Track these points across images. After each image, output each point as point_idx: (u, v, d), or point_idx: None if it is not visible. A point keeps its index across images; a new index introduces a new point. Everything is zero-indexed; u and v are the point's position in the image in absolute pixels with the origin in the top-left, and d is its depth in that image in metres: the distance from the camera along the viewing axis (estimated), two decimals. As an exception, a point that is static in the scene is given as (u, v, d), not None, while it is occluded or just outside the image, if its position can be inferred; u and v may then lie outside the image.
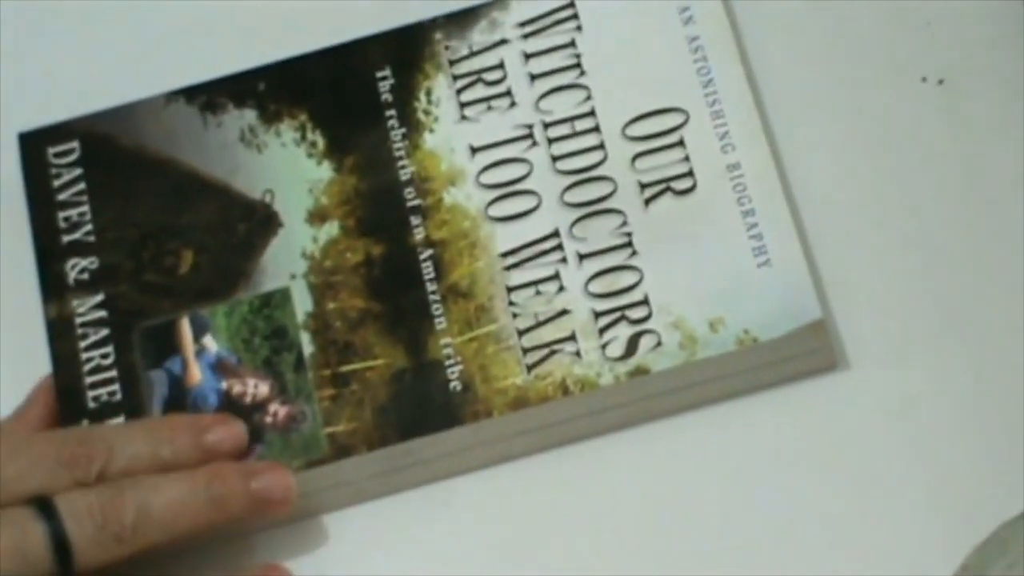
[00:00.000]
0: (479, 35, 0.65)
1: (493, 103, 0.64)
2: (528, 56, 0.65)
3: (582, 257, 0.61)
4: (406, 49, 0.66)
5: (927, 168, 0.62)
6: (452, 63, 0.65)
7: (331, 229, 0.63)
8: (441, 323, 0.61)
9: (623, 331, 0.60)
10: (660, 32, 0.64)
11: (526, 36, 0.65)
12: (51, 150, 0.66)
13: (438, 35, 0.66)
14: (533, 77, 0.64)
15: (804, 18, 0.65)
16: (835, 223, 0.62)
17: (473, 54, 0.65)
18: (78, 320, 0.63)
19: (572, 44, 0.65)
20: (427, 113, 0.65)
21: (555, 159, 0.63)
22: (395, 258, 0.62)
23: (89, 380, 0.61)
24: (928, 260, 0.61)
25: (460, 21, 0.66)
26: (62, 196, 0.65)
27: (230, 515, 0.57)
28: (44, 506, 0.55)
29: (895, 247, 0.61)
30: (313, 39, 0.67)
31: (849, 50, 0.65)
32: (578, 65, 0.64)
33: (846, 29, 0.65)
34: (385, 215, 0.63)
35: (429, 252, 0.62)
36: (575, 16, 0.65)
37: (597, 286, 0.61)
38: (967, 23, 0.64)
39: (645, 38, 0.64)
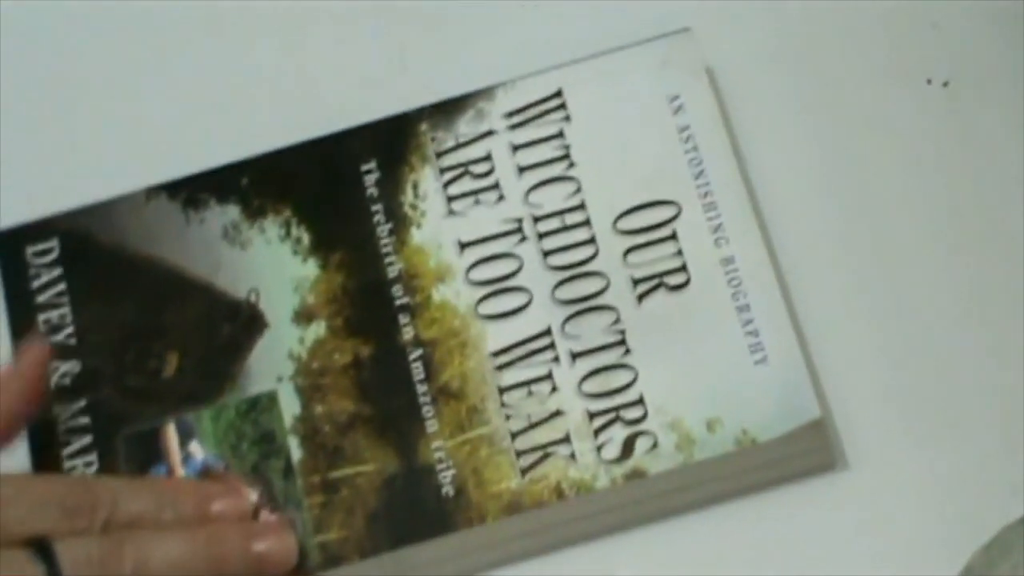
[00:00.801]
0: (465, 126, 0.64)
1: (481, 196, 0.63)
2: (516, 147, 0.64)
3: (575, 356, 0.60)
4: (391, 141, 0.64)
5: (928, 265, 0.61)
6: (439, 155, 0.64)
7: (318, 329, 0.62)
8: (432, 425, 0.60)
9: (618, 432, 0.59)
10: (650, 122, 0.63)
11: (513, 127, 0.64)
12: (30, 249, 0.64)
13: (424, 126, 0.64)
14: (522, 169, 0.63)
15: (795, 101, 0.64)
16: (831, 318, 0.61)
17: (460, 145, 0.64)
18: (60, 427, 0.61)
19: (561, 135, 0.64)
20: (414, 207, 0.63)
21: (546, 254, 0.62)
22: (384, 358, 0.61)
23: (72, 489, 0.60)
24: (928, 357, 0.60)
25: (446, 111, 0.65)
26: (42, 297, 0.63)
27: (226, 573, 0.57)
28: (43, 550, 0.54)
29: (894, 343, 0.60)
30: (296, 131, 0.65)
31: (841, 132, 0.64)
32: (567, 156, 0.63)
33: (837, 112, 0.64)
34: (373, 314, 0.62)
35: (419, 352, 0.61)
36: (563, 106, 0.64)
37: (591, 386, 0.60)
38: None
39: (635, 128, 0.63)
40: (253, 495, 0.60)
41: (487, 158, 0.64)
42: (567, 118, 0.64)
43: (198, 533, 0.57)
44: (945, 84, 0.63)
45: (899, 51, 0.64)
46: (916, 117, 0.63)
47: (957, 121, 0.62)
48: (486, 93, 0.65)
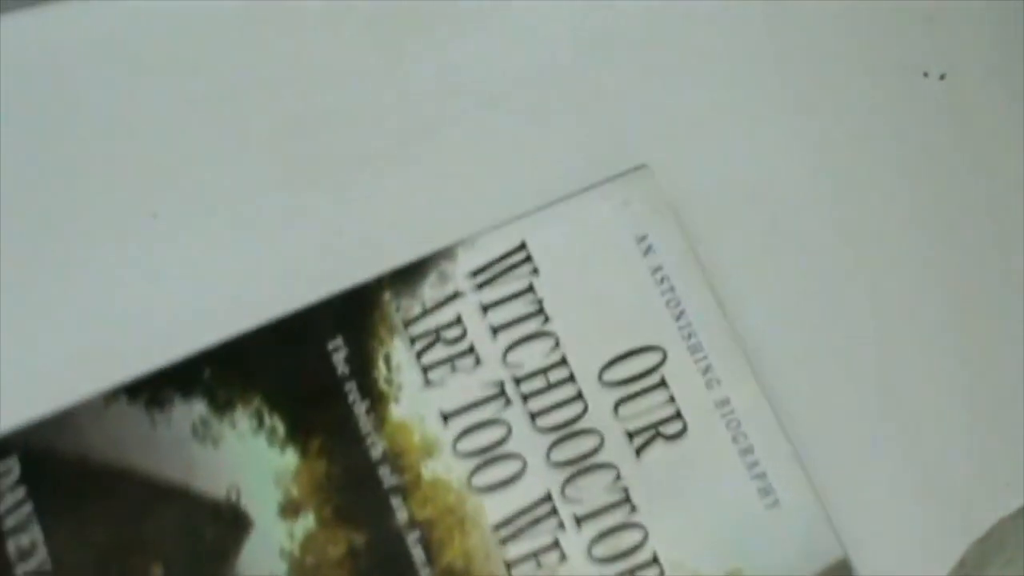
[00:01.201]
0: (430, 290, 0.62)
1: (457, 363, 0.61)
2: (486, 307, 0.62)
3: (580, 520, 0.58)
4: (355, 314, 0.62)
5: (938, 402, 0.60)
6: (407, 324, 0.62)
7: (307, 521, 0.59)
8: (441, 611, 0.57)
9: (637, 596, 0.57)
10: (621, 266, 0.62)
11: (480, 286, 0.62)
12: (-12, 471, 0.61)
13: (387, 295, 0.62)
14: (495, 329, 0.61)
15: (761, 226, 0.63)
16: (836, 448, 0.59)
17: (427, 312, 0.62)
18: (48, 661, 0.58)
19: (531, 289, 0.62)
20: (389, 382, 0.61)
21: (533, 416, 0.60)
22: (381, 545, 0.59)
23: None
24: (942, 488, 0.59)
25: (407, 277, 0.62)
26: (9, 522, 0.60)
27: None
28: None
29: (908, 467, 0.59)
30: (254, 313, 0.63)
31: (808, 258, 0.63)
32: (541, 311, 0.61)
33: (799, 242, 0.63)
34: (363, 499, 0.59)
35: (416, 534, 0.59)
36: (528, 259, 0.62)
37: (602, 550, 0.58)
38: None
39: (607, 274, 0.62)
40: None
41: (458, 322, 0.62)
42: (535, 271, 0.62)
43: None
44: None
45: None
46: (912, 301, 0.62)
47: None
48: (446, 253, 0.63)
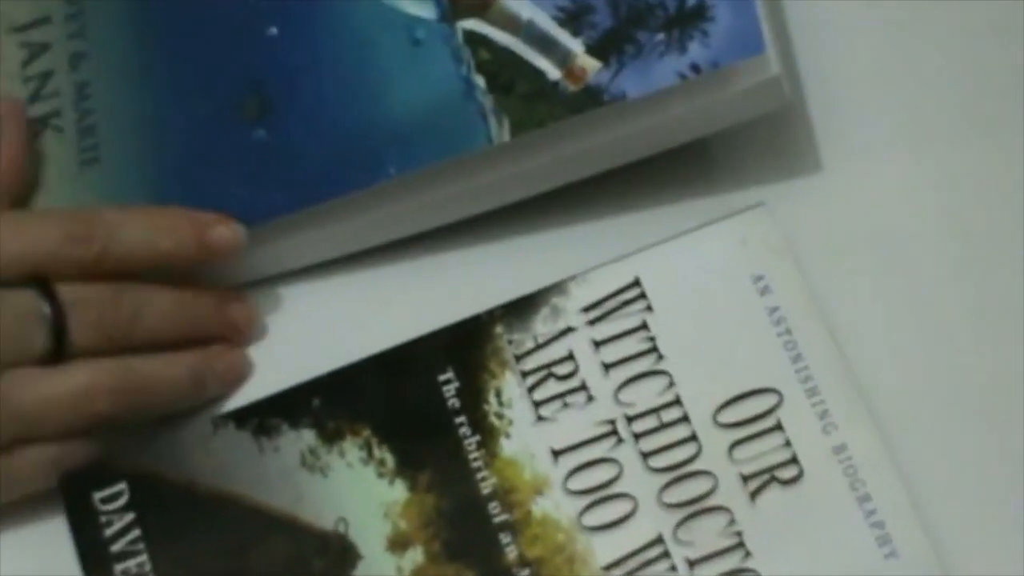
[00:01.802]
0: (542, 325, 0.62)
1: (569, 399, 0.61)
2: (598, 343, 0.61)
3: (692, 564, 0.58)
4: (467, 347, 0.62)
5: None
6: (518, 358, 0.61)
7: (415, 556, 0.59)
8: (551, 651, 0.57)
9: (751, 644, 0.56)
10: (737, 305, 0.61)
11: (592, 322, 0.61)
12: (97, 495, 0.61)
13: (499, 328, 0.62)
14: (607, 366, 0.61)
15: (877, 268, 0.62)
16: (954, 498, 0.58)
17: (539, 347, 0.61)
18: None
19: (644, 326, 0.61)
20: (500, 416, 0.61)
21: (645, 456, 0.59)
22: (490, 582, 0.58)
23: None
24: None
25: (519, 311, 0.62)
26: (116, 547, 0.60)
27: (207, 335, 0.62)
28: (46, 289, 0.57)
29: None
30: (365, 343, 0.62)
31: (927, 301, 0.62)
32: (654, 349, 0.61)
33: (918, 284, 0.62)
34: (472, 535, 0.59)
35: (526, 572, 0.58)
36: (643, 295, 0.62)
37: (714, 595, 0.57)
38: None
39: (722, 313, 0.61)
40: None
41: (569, 357, 0.61)
42: (648, 307, 0.61)
43: (185, 294, 0.61)
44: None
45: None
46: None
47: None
48: (558, 288, 0.62)
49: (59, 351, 0.58)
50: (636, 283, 0.62)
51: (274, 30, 0.64)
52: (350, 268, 0.65)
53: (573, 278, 0.62)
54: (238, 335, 0.63)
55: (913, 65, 0.64)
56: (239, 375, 0.63)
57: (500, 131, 0.61)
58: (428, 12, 0.63)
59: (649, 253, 0.62)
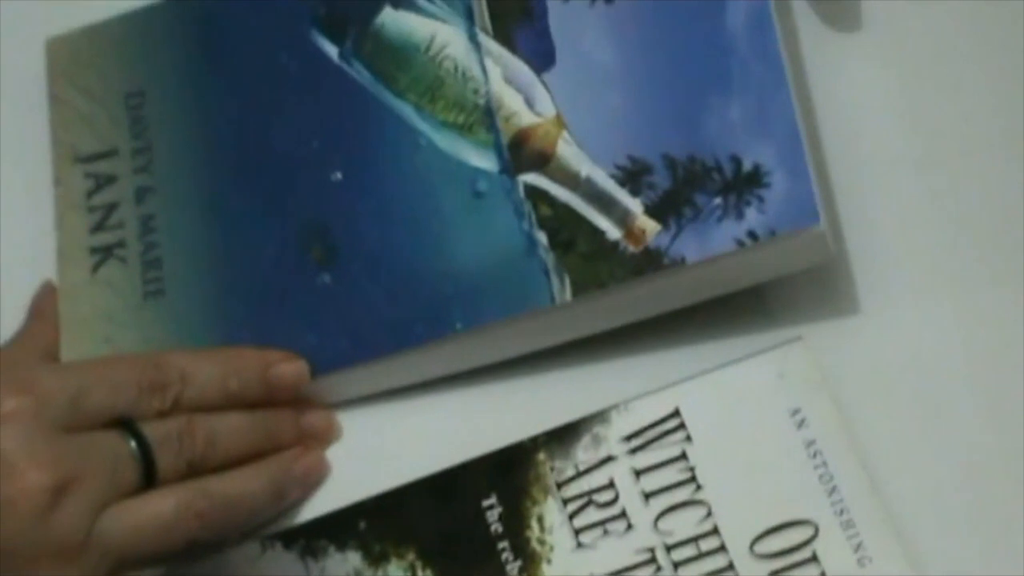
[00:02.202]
0: (583, 453, 0.63)
1: (609, 526, 0.62)
2: (638, 472, 0.63)
3: None
4: (510, 473, 0.63)
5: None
6: (559, 485, 0.63)
7: (457, 677, 0.60)
8: None
9: None
10: (774, 438, 0.62)
11: (633, 451, 0.63)
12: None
13: (541, 455, 0.63)
14: (647, 495, 0.62)
15: (914, 405, 0.63)
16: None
17: (580, 474, 0.63)
18: None
19: (684, 456, 0.63)
20: (542, 543, 0.62)
21: (684, 584, 0.60)
22: None
23: None
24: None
25: (562, 438, 0.63)
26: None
27: (279, 446, 0.64)
28: (132, 430, 0.60)
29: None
30: (411, 467, 0.64)
31: (962, 437, 0.63)
32: (693, 479, 0.62)
33: (953, 420, 0.63)
34: (512, 658, 0.60)
35: None
36: (682, 426, 0.63)
37: None
38: None
39: (759, 446, 0.62)
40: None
41: (610, 486, 0.62)
42: (688, 438, 0.63)
43: (257, 412, 0.64)
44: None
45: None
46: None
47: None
48: (600, 417, 0.64)
49: (147, 484, 0.61)
50: (676, 413, 0.63)
51: (339, 175, 0.66)
52: (396, 394, 0.67)
53: (615, 407, 0.64)
54: (318, 443, 0.66)
55: (949, 211, 0.65)
56: (318, 477, 0.65)
57: (562, 289, 0.63)
58: (489, 164, 0.65)
59: (689, 384, 0.63)
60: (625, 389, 0.64)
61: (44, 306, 0.68)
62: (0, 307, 0.69)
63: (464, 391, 0.66)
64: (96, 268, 0.68)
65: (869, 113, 0.66)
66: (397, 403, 0.67)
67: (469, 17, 0.66)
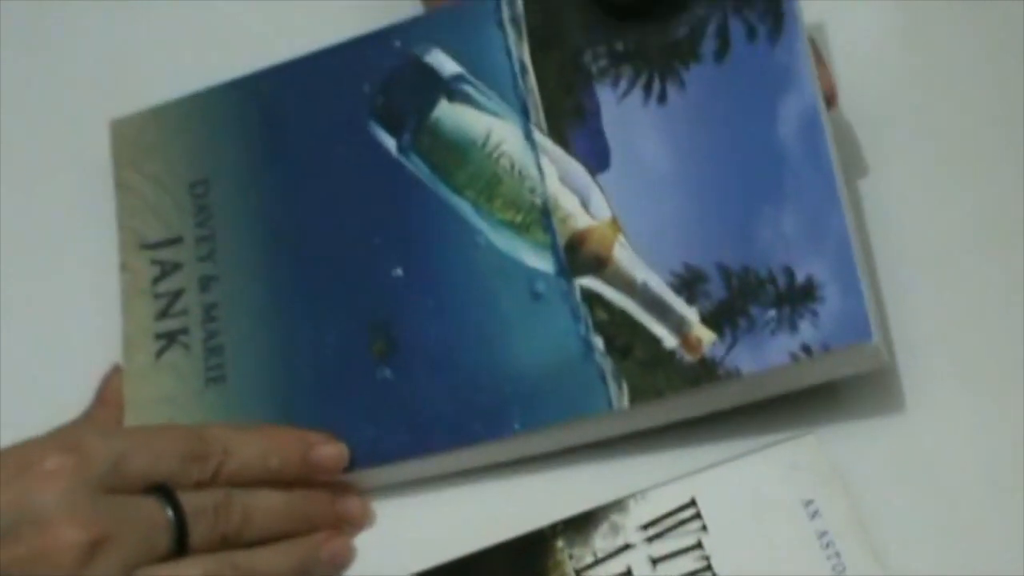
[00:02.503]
0: (602, 540, 0.64)
1: (626, 624, 0.62)
2: (655, 561, 0.63)
3: None
4: (529, 560, 0.64)
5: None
6: (578, 572, 0.63)
7: None
8: None
9: None
10: (787, 528, 0.63)
11: (650, 539, 0.64)
12: None
13: (560, 542, 0.64)
14: (664, 584, 0.63)
15: (924, 502, 0.65)
16: None
17: (598, 561, 0.63)
18: None
19: (699, 545, 0.63)
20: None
21: (696, 670, 0.60)
22: None
23: None
24: None
25: (580, 526, 0.64)
26: None
27: (312, 529, 0.65)
28: (169, 497, 0.62)
29: None
30: (430, 554, 0.65)
31: (975, 531, 0.63)
32: (709, 568, 0.62)
33: (965, 513, 0.64)
34: None
35: None
36: (698, 515, 0.64)
37: None
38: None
39: (773, 535, 0.63)
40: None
41: (628, 574, 0.63)
42: (704, 527, 0.63)
43: (294, 492, 0.65)
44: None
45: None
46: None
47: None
48: (618, 505, 0.64)
49: (179, 552, 0.62)
50: (692, 503, 0.64)
51: (399, 271, 0.68)
52: (417, 482, 0.68)
53: (632, 496, 0.65)
54: (352, 528, 0.67)
55: (965, 308, 0.67)
56: (344, 562, 0.67)
57: (620, 396, 0.63)
58: (547, 266, 0.66)
59: (705, 475, 0.64)
60: (642, 479, 0.65)
61: (109, 393, 0.70)
62: (68, 391, 0.71)
63: (484, 479, 0.68)
64: (160, 353, 0.70)
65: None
66: (418, 490, 0.68)
67: (524, 113, 0.67)
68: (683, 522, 0.64)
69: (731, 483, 0.64)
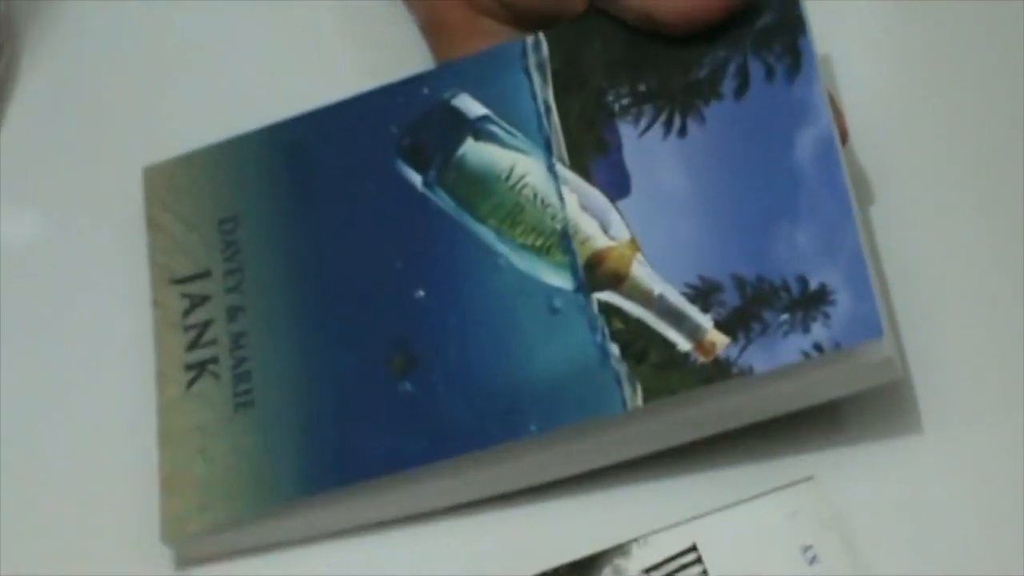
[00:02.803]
0: (604, 586, 0.63)
1: (629, 645, 0.61)
2: (656, 606, 0.62)
3: None
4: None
5: None
6: (577, 615, 0.62)
7: None
8: None
9: None
10: (786, 574, 0.63)
11: (653, 585, 0.63)
12: None
13: (563, 588, 0.63)
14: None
15: (923, 545, 0.65)
16: None
17: (602, 620, 0.63)
18: None
19: (701, 588, 0.62)
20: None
21: None
22: None
23: None
24: None
25: (583, 570, 0.64)
26: None
27: None
28: None
29: None
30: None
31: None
32: (709, 612, 0.61)
33: (964, 555, 0.64)
34: None
35: None
36: (699, 560, 0.63)
37: None
38: None
39: (772, 580, 0.62)
40: None
41: (633, 613, 0.62)
42: (704, 572, 0.63)
43: None
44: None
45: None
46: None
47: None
48: (620, 550, 0.64)
49: None
50: (693, 548, 0.64)
51: (421, 292, 0.69)
52: (410, 522, 0.69)
53: (635, 540, 0.64)
54: None
55: (982, 342, 0.67)
56: None
57: (634, 396, 0.64)
58: (565, 283, 0.67)
59: (706, 520, 0.64)
60: (644, 522, 0.65)
61: None
62: (103, 426, 0.73)
63: (483, 521, 0.68)
64: (191, 384, 0.71)
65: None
66: (410, 531, 0.69)
67: (547, 149, 0.69)
68: (684, 567, 0.64)
69: (731, 528, 0.65)
